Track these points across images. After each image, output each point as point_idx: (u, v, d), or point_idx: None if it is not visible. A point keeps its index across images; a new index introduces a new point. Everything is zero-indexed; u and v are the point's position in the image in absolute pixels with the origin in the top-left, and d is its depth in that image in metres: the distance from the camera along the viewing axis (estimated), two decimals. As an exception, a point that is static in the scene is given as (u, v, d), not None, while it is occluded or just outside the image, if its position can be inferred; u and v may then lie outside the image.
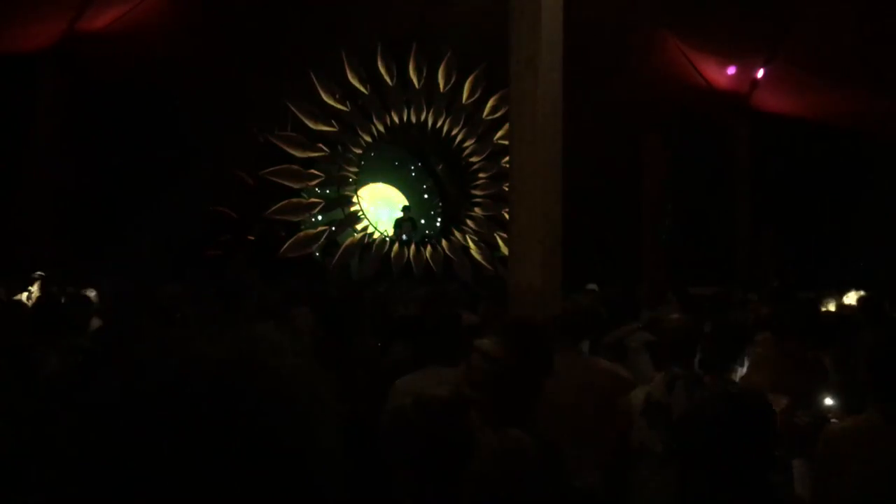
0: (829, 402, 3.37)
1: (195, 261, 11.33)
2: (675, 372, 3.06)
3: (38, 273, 7.47)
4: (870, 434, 2.46)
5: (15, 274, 7.65)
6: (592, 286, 7.96)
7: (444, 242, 13.68)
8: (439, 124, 13.85)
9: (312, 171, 12.85)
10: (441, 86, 13.58)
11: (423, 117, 13.72)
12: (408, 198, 14.45)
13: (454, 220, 14.36)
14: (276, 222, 12.64)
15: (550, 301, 5.72)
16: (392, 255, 12.93)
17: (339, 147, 13.13)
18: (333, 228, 12.94)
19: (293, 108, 12.53)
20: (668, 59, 12.71)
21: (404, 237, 13.18)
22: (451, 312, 3.63)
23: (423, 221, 14.40)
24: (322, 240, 12.79)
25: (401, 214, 13.68)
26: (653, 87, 12.64)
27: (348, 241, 12.97)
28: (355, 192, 13.44)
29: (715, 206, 13.08)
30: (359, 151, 13.43)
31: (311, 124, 12.69)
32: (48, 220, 10.74)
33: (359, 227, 13.23)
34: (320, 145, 12.82)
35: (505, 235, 12.41)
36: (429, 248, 13.38)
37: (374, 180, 14.25)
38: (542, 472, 2.09)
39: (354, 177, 13.38)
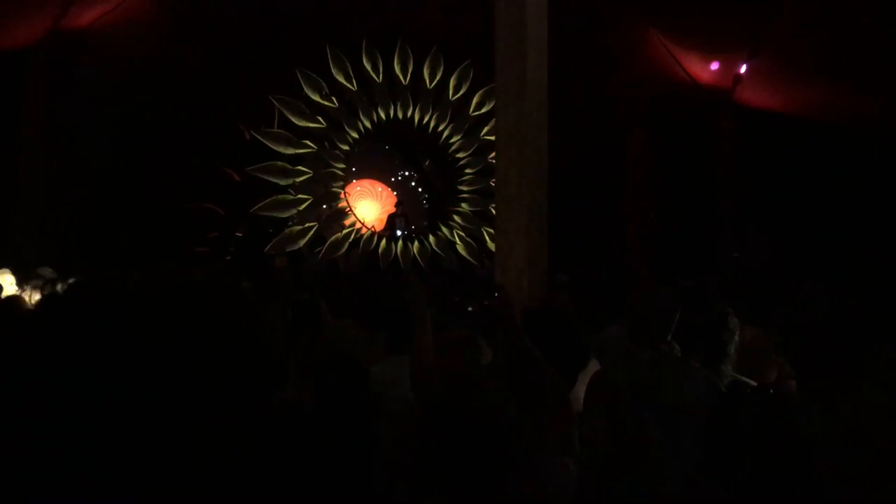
0: None
1: (182, 257, 11.33)
2: (663, 350, 3.03)
3: None
4: None
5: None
6: (563, 276, 7.99)
7: (431, 238, 13.74)
8: (426, 120, 13.89)
9: (299, 167, 12.89)
10: (427, 82, 13.62)
11: (409, 113, 13.76)
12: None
13: (441, 215, 14.41)
14: (263, 219, 12.68)
15: (537, 295, 5.80)
16: (379, 250, 12.98)
17: (326, 143, 13.16)
18: (321, 224, 12.99)
19: (279, 105, 12.54)
20: (652, 55, 12.78)
21: (399, 232, 13.23)
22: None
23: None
24: (309, 236, 12.84)
25: (392, 210, 13.72)
26: (637, 83, 12.71)
27: (334, 236, 13.03)
28: (342, 188, 13.46)
29: (699, 201, 13.17)
30: (345, 148, 13.46)
31: (297, 121, 12.71)
32: (33, 217, 10.70)
33: (346, 222, 13.27)
34: (307, 142, 12.84)
35: (492, 230, 12.49)
36: (416, 243, 13.44)
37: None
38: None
39: (341, 173, 13.41)
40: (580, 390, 2.86)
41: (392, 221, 13.37)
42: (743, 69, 12.15)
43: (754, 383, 3.30)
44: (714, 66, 12.36)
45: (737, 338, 3.39)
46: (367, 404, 2.39)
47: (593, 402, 3.01)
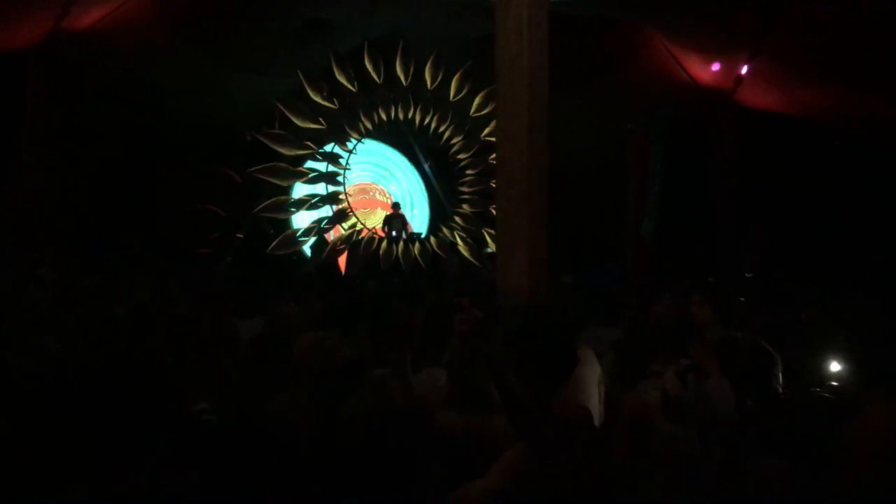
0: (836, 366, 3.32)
1: (184, 259, 11.33)
2: (684, 364, 2.98)
3: None
4: None
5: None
6: (567, 278, 7.98)
7: (432, 239, 13.74)
8: (427, 121, 13.88)
9: (300, 168, 12.91)
10: (428, 83, 13.60)
11: (410, 114, 13.75)
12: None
13: (442, 216, 14.43)
14: (263, 220, 12.69)
15: (538, 296, 5.80)
16: (381, 252, 12.97)
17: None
18: (322, 225, 13.00)
19: (281, 106, 12.54)
20: (654, 56, 12.80)
21: (394, 233, 13.22)
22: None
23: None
24: (311, 237, 12.86)
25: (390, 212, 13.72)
26: (638, 84, 12.72)
27: (336, 238, 13.04)
28: (344, 189, 13.45)
29: (700, 202, 13.17)
30: (348, 148, 13.45)
31: (298, 122, 12.71)
32: (34, 219, 10.70)
33: (346, 224, 13.27)
34: (308, 143, 12.84)
35: (493, 232, 12.49)
36: (417, 244, 13.44)
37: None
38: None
39: (343, 173, 13.40)
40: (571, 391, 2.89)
41: (389, 223, 13.37)
42: (744, 70, 12.16)
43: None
44: (715, 67, 12.37)
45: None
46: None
47: (622, 419, 3.01)
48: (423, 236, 13.83)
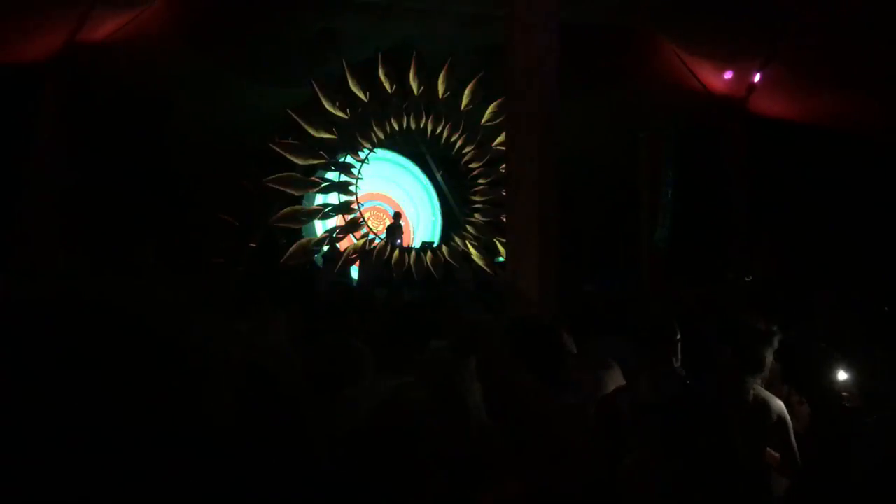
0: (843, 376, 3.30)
1: (197, 268, 11.40)
2: (664, 371, 2.96)
3: None
4: None
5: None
6: (590, 287, 8.01)
7: (444, 248, 13.76)
8: (439, 131, 13.92)
9: (313, 178, 12.96)
10: (440, 93, 13.65)
11: (422, 124, 13.79)
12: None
13: (454, 225, 14.45)
14: (277, 230, 12.74)
15: (548, 304, 5.81)
16: (392, 261, 13.01)
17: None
18: (335, 235, 13.05)
19: (294, 116, 12.60)
20: (665, 64, 12.79)
21: (398, 242, 13.28)
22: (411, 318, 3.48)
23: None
24: (324, 247, 12.90)
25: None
26: (650, 93, 12.70)
27: (349, 247, 13.08)
28: (356, 198, 13.50)
29: (711, 210, 13.12)
30: (361, 157, 13.49)
31: (312, 132, 12.77)
32: (50, 229, 10.79)
33: (358, 234, 13.31)
34: (321, 152, 12.90)
35: (504, 240, 12.49)
36: (429, 253, 13.46)
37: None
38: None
39: (355, 183, 13.45)
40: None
41: (392, 232, 13.42)
42: (756, 78, 12.11)
43: (772, 396, 3.28)
44: (727, 74, 12.33)
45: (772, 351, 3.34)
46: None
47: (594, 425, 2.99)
48: (434, 245, 13.87)
